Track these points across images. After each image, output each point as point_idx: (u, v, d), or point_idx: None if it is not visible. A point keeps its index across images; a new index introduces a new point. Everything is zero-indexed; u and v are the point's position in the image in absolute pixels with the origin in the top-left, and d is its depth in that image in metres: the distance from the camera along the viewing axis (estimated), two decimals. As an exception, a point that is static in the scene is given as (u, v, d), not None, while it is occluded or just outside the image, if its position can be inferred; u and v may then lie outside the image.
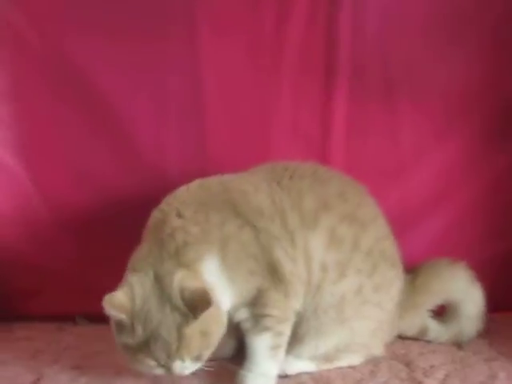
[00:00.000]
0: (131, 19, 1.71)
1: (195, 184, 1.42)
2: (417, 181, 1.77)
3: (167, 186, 1.43)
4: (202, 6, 1.70)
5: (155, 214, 1.38)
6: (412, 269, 1.58)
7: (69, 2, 1.71)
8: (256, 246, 1.35)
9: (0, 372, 1.45)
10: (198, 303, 1.21)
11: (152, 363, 1.24)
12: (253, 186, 1.41)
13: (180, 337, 1.22)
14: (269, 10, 1.71)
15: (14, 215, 1.77)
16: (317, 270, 1.38)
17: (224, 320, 1.30)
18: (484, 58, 1.73)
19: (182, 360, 1.24)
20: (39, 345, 1.60)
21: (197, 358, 1.26)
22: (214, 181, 1.44)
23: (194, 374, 1.29)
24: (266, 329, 1.35)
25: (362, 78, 1.73)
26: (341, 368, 1.43)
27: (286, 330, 1.37)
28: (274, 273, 1.35)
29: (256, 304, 1.35)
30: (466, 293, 1.57)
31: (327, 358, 1.43)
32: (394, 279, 1.46)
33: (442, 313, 1.60)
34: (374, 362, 1.46)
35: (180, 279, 1.24)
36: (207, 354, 1.27)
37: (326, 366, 1.43)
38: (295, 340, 1.40)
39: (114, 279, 1.29)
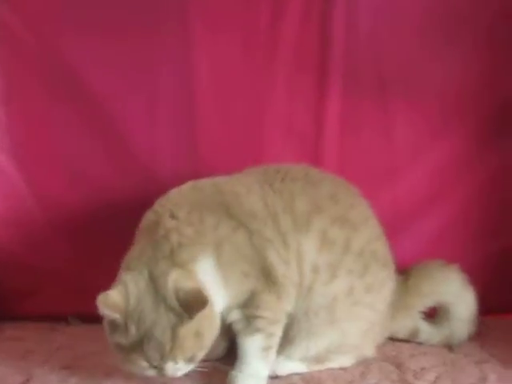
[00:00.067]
0: (125, 19, 1.71)
1: (188, 186, 1.42)
2: (411, 180, 1.77)
3: (160, 188, 1.43)
4: (195, 3, 1.70)
5: (148, 216, 1.38)
6: (405, 270, 1.58)
7: (64, 3, 1.71)
8: (249, 248, 1.35)
9: (-12, 372, 1.45)
10: (193, 303, 1.21)
11: (144, 364, 1.24)
12: (245, 188, 1.42)
13: (174, 337, 1.21)
14: (263, 8, 1.71)
15: (8, 216, 1.77)
16: (308, 272, 1.38)
17: (218, 321, 1.30)
18: (480, 57, 1.73)
19: (175, 361, 1.23)
20: (30, 345, 1.60)
21: (190, 360, 1.25)
22: (206, 183, 1.44)
23: (186, 375, 1.28)
24: (258, 330, 1.35)
25: (356, 76, 1.74)
26: (332, 369, 1.43)
27: (278, 331, 1.38)
28: (267, 275, 1.35)
29: (248, 305, 1.35)
30: (458, 295, 1.57)
31: (318, 359, 1.43)
32: (385, 280, 1.46)
33: (433, 315, 1.60)
34: (364, 364, 1.45)
35: (175, 279, 1.24)
36: (200, 355, 1.27)
37: (316, 367, 1.43)
38: (286, 341, 1.40)
39: (107, 280, 1.29)
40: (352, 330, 1.43)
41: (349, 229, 1.42)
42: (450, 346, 1.56)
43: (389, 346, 1.55)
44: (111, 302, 1.22)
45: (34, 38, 1.71)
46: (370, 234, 1.46)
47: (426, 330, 1.58)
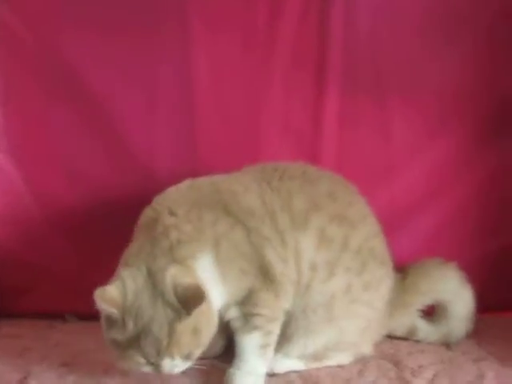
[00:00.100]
0: (124, 18, 1.70)
1: (186, 184, 1.43)
2: (408, 178, 1.77)
3: (158, 186, 1.43)
4: (193, 2, 1.70)
5: (147, 213, 1.38)
6: (402, 268, 1.58)
7: (63, 2, 1.71)
8: (248, 246, 1.35)
9: (-14, 370, 1.45)
10: (191, 299, 1.21)
11: (141, 360, 1.23)
12: (243, 187, 1.42)
13: (171, 333, 1.21)
14: (261, 6, 1.71)
15: (5, 213, 1.76)
16: (306, 270, 1.38)
17: (215, 319, 1.30)
18: (478, 56, 1.73)
19: (172, 358, 1.23)
20: (27, 342, 1.59)
21: (187, 357, 1.25)
22: (204, 181, 1.44)
23: (183, 372, 1.28)
24: (256, 328, 1.35)
25: (354, 74, 1.74)
26: (329, 367, 1.43)
27: (276, 329, 1.38)
28: (265, 273, 1.35)
29: (246, 303, 1.35)
30: (455, 294, 1.57)
31: (316, 356, 1.43)
32: (383, 277, 1.46)
33: (431, 313, 1.60)
34: (362, 361, 1.45)
35: (173, 275, 1.24)
36: (197, 352, 1.27)
37: (314, 365, 1.43)
38: (284, 339, 1.40)
39: (105, 277, 1.28)
40: (350, 327, 1.43)
41: (347, 226, 1.42)
42: (447, 344, 1.56)
43: (387, 344, 1.55)
44: (108, 296, 1.22)
45: (33, 37, 1.71)
46: (367, 231, 1.46)
47: (424, 328, 1.59)
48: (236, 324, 1.36)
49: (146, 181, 1.72)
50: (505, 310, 1.78)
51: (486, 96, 1.75)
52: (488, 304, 1.64)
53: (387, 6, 1.73)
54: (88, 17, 1.71)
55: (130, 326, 1.22)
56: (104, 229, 1.73)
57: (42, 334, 1.66)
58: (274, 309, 1.37)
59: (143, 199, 1.40)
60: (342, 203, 1.45)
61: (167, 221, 1.32)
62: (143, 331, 1.21)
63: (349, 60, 1.73)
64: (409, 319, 1.58)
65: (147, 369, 1.25)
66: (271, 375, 1.39)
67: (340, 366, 1.44)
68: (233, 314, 1.36)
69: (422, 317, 1.59)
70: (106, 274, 1.29)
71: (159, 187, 1.43)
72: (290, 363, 1.42)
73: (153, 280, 1.24)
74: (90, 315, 1.29)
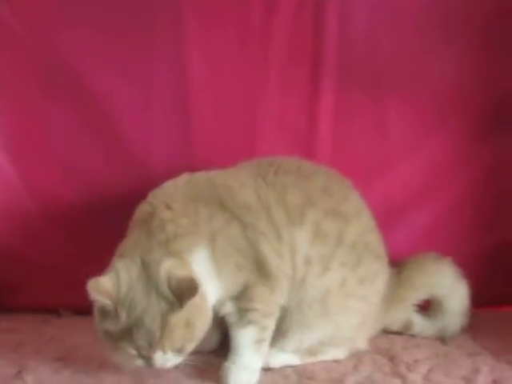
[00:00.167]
0: (120, 16, 1.70)
1: (182, 179, 1.42)
2: (404, 174, 1.77)
3: (154, 182, 1.43)
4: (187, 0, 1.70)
5: (142, 207, 1.38)
6: (398, 262, 1.58)
7: (60, 0, 1.70)
8: (243, 241, 1.35)
9: (-20, 365, 1.44)
10: (184, 291, 1.21)
11: (133, 352, 1.23)
12: (239, 182, 1.42)
13: (164, 325, 1.21)
14: (256, 2, 1.70)
15: (1, 209, 1.76)
16: (301, 264, 1.38)
17: (209, 313, 1.30)
18: (475, 53, 1.73)
19: (164, 351, 1.23)
20: (22, 337, 1.59)
21: (179, 351, 1.25)
22: (201, 176, 1.43)
23: (178, 367, 1.28)
24: (251, 322, 1.35)
25: (349, 70, 1.73)
26: (325, 362, 1.43)
27: (271, 324, 1.38)
28: (260, 268, 1.35)
29: (242, 298, 1.35)
30: (451, 289, 1.58)
31: (311, 351, 1.43)
32: (378, 272, 1.47)
33: (426, 307, 1.60)
34: (357, 356, 1.46)
35: (168, 267, 1.24)
36: (190, 347, 1.26)
37: (310, 360, 1.43)
38: (279, 333, 1.40)
39: (100, 273, 1.28)
40: (345, 322, 1.43)
41: (342, 221, 1.42)
42: (442, 339, 1.56)
43: (382, 339, 1.55)
44: (102, 287, 1.22)
45: (29, 34, 1.70)
46: (363, 226, 1.46)
47: (419, 323, 1.59)
48: (231, 319, 1.36)
49: (142, 177, 1.71)
50: (500, 304, 1.79)
51: (483, 93, 1.75)
52: (483, 299, 1.63)
53: (383, 2, 1.72)
54: (85, 15, 1.70)
55: (123, 317, 1.22)
56: (100, 224, 1.73)
57: (37, 329, 1.66)
58: (269, 304, 1.37)
59: (140, 195, 1.40)
60: (337, 198, 1.44)
61: (164, 215, 1.32)
62: (136, 323, 1.21)
63: (344, 55, 1.73)
64: (404, 314, 1.58)
65: (139, 362, 1.25)
66: (266, 370, 1.38)
67: (335, 361, 1.44)
68: (228, 308, 1.36)
69: (417, 311, 1.59)
70: (101, 269, 1.29)
71: (156, 183, 1.42)
72: (285, 358, 1.42)
73: (147, 272, 1.24)
74: (85, 310, 1.29)
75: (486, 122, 1.76)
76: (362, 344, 1.48)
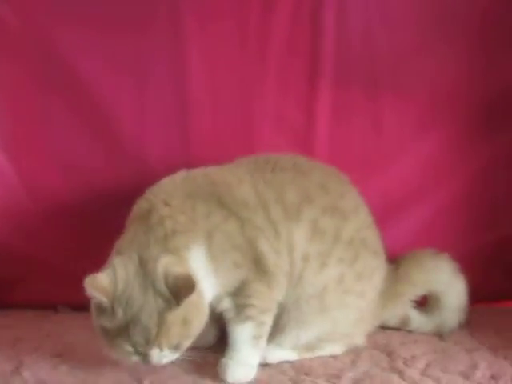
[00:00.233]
0: (117, 10, 1.70)
1: (180, 175, 1.42)
2: (401, 170, 1.77)
3: (151, 179, 1.43)
4: None
5: (140, 204, 1.38)
6: (395, 258, 1.58)
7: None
8: (241, 238, 1.35)
9: (-22, 361, 1.44)
10: (181, 288, 1.21)
11: (130, 349, 1.23)
12: (237, 179, 1.41)
13: (160, 322, 1.21)
14: (254, 1, 1.70)
15: (-3, 205, 1.76)
16: (299, 261, 1.38)
17: (206, 311, 1.30)
18: (471, 50, 1.73)
19: (161, 348, 1.23)
20: (19, 333, 1.59)
21: (175, 347, 1.25)
22: (198, 172, 1.43)
23: (175, 363, 1.28)
24: (249, 318, 1.35)
25: (347, 67, 1.74)
26: (322, 357, 1.43)
27: (268, 320, 1.38)
28: (258, 265, 1.35)
29: (239, 294, 1.35)
30: (448, 284, 1.58)
31: (309, 347, 1.43)
32: (376, 268, 1.47)
33: (424, 303, 1.60)
34: (355, 352, 1.46)
35: (165, 264, 1.24)
36: (186, 344, 1.27)
37: (307, 355, 1.43)
38: (277, 329, 1.40)
39: (97, 269, 1.28)
40: (342, 318, 1.43)
41: (339, 218, 1.42)
42: (440, 335, 1.56)
43: (379, 334, 1.55)
44: (99, 284, 1.22)
45: (25, 29, 1.70)
46: (360, 222, 1.46)
47: (417, 319, 1.59)
48: (229, 315, 1.36)
49: (139, 174, 1.71)
50: (498, 300, 1.79)
51: (479, 91, 1.75)
52: (481, 294, 1.64)
53: (380, 0, 1.73)
54: (83, 14, 1.70)
55: (120, 314, 1.22)
56: (97, 221, 1.73)
57: (35, 325, 1.66)
58: (266, 300, 1.37)
59: (136, 191, 1.40)
60: (334, 194, 1.44)
61: (162, 211, 1.32)
62: (132, 320, 1.21)
63: (342, 54, 1.73)
64: (402, 310, 1.58)
65: (135, 358, 1.25)
66: (264, 365, 1.38)
67: (333, 357, 1.44)
68: (225, 304, 1.36)
69: (414, 307, 1.59)
70: (99, 265, 1.29)
71: (153, 180, 1.42)
72: (282, 353, 1.42)
73: (144, 269, 1.24)
74: (83, 306, 1.28)
75: (484, 119, 1.76)
76: (359, 340, 1.48)
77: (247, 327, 1.35)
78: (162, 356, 1.24)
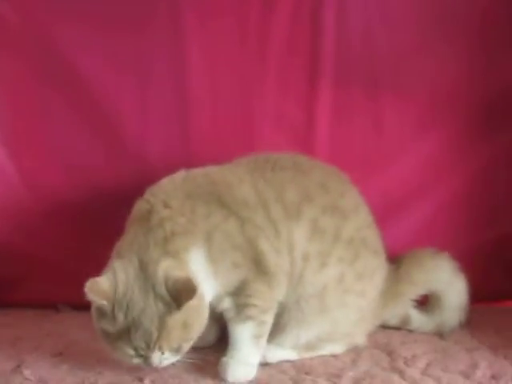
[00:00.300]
0: (117, 7, 1.70)
1: (180, 175, 1.42)
2: (401, 169, 1.78)
3: (152, 178, 1.43)
4: None
5: (140, 205, 1.37)
6: (396, 258, 1.58)
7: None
8: (241, 237, 1.35)
9: (-21, 360, 1.44)
10: (182, 292, 1.20)
11: (131, 352, 1.24)
12: (237, 178, 1.41)
13: (161, 326, 1.21)
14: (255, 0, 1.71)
15: (-2, 203, 1.76)
16: (299, 260, 1.38)
17: (206, 313, 1.29)
18: (471, 50, 1.74)
19: (161, 351, 1.23)
20: (20, 332, 1.59)
21: (176, 350, 1.25)
22: (198, 172, 1.43)
23: (175, 364, 1.29)
24: (249, 318, 1.35)
25: (347, 67, 1.74)
26: (323, 356, 1.43)
27: (269, 319, 1.38)
28: (258, 264, 1.35)
29: (240, 294, 1.35)
30: (449, 284, 1.58)
31: (309, 346, 1.43)
32: (376, 267, 1.47)
33: (424, 303, 1.60)
34: (355, 351, 1.46)
35: (165, 268, 1.24)
36: (187, 346, 1.27)
37: (307, 355, 1.43)
38: (277, 329, 1.40)
39: (98, 269, 1.28)
40: (343, 317, 1.43)
41: (339, 217, 1.42)
42: (441, 334, 1.57)
43: (380, 334, 1.55)
44: (99, 288, 1.21)
45: (25, 26, 1.70)
46: (360, 221, 1.46)
47: (417, 318, 1.59)
48: (229, 314, 1.36)
49: (140, 171, 1.72)
50: (498, 299, 1.80)
51: (479, 90, 1.75)
52: (482, 294, 1.64)
53: (380, 0, 1.73)
54: (83, 11, 1.70)
55: (121, 318, 1.22)
56: (98, 219, 1.73)
57: (35, 324, 1.66)
58: (267, 299, 1.37)
59: (137, 190, 1.40)
60: (334, 194, 1.44)
61: (162, 213, 1.32)
62: (133, 324, 1.21)
63: (342, 54, 1.74)
64: (402, 309, 1.58)
65: (136, 361, 1.26)
66: (264, 365, 1.38)
67: (333, 356, 1.44)
68: (226, 304, 1.36)
69: (415, 307, 1.59)
70: (99, 264, 1.29)
71: (153, 177, 1.42)
72: (283, 353, 1.42)
73: (144, 272, 1.24)
74: (83, 305, 1.28)
75: (484, 119, 1.77)
76: (360, 339, 1.48)
77: (248, 327, 1.35)
78: (163, 359, 1.25)
